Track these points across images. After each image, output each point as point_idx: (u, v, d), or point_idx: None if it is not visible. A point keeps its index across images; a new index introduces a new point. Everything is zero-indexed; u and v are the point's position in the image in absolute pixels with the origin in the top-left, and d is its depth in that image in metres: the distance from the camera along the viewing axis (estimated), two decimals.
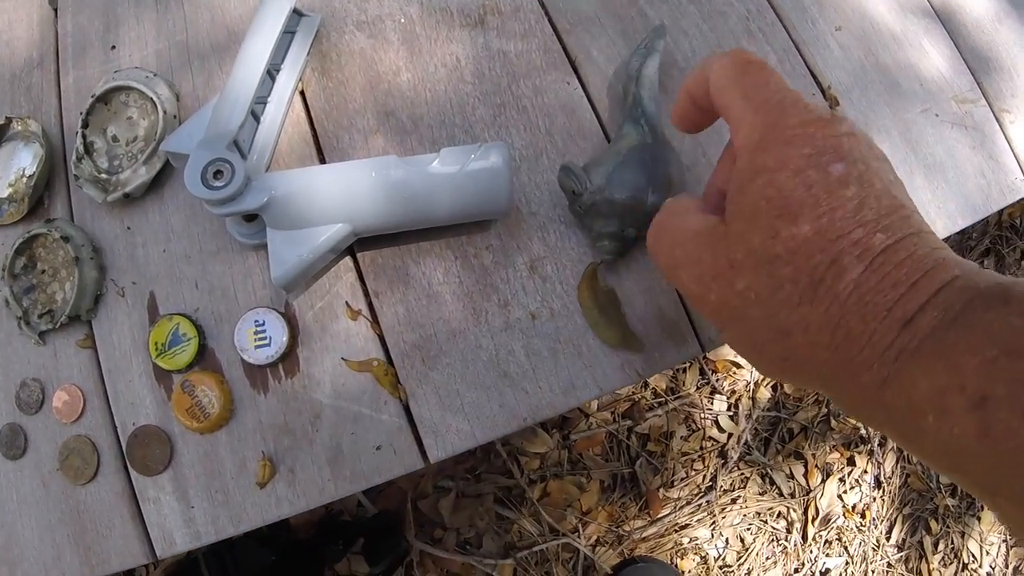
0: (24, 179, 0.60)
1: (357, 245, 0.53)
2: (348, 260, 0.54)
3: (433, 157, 0.49)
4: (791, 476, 1.01)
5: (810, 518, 1.01)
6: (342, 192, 0.49)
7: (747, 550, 0.98)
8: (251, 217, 0.54)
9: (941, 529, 1.04)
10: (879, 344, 0.29)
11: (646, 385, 1.02)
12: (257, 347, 0.52)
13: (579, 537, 0.94)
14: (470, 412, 0.51)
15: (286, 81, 0.57)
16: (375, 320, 0.53)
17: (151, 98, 0.57)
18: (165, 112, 0.57)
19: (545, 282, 0.53)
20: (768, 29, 0.59)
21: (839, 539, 1.01)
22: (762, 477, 1.02)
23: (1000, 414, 0.23)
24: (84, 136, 0.58)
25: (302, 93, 0.58)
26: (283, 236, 0.49)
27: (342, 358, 0.52)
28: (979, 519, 1.05)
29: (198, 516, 0.52)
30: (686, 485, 1.00)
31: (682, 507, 0.98)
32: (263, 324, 0.52)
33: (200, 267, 0.55)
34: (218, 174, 0.48)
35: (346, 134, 0.56)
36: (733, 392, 1.03)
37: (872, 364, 0.29)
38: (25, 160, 0.61)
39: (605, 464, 0.99)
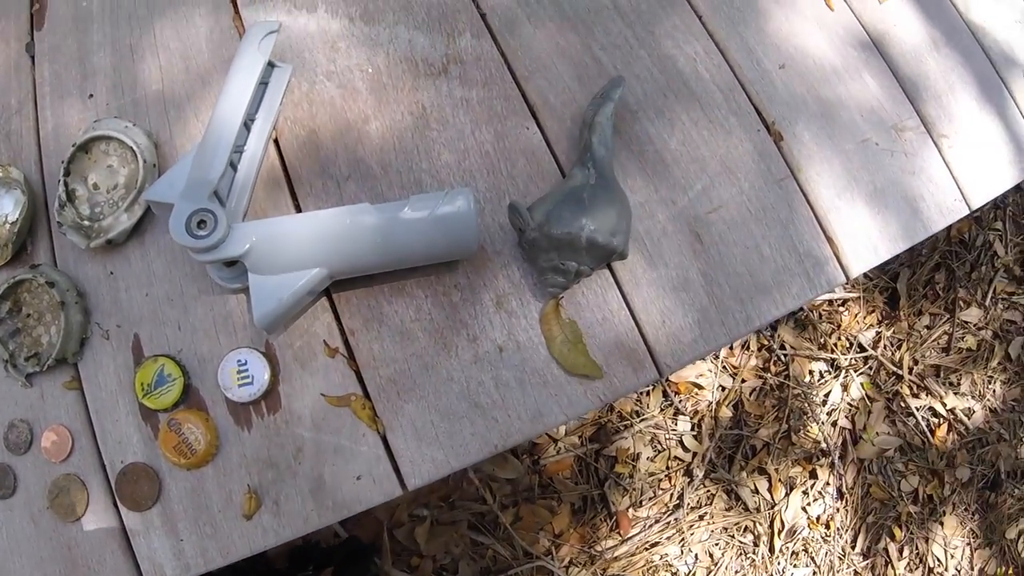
0: (7, 225, 0.62)
1: (333, 286, 0.56)
2: (324, 301, 0.57)
3: (403, 204, 0.53)
4: (756, 491, 1.06)
5: (776, 531, 1.05)
6: (319, 238, 0.52)
7: (716, 565, 1.03)
8: (232, 262, 0.57)
9: (905, 536, 1.09)
10: None
11: (612, 408, 1.07)
12: (240, 385, 0.55)
13: (553, 559, 0.98)
14: (444, 441, 0.54)
15: (260, 130, 0.60)
16: (351, 357, 0.56)
17: (131, 147, 0.60)
18: (145, 161, 0.60)
19: (511, 316, 0.57)
20: (715, 71, 0.63)
21: (805, 550, 1.06)
22: (728, 493, 1.06)
23: None
24: (66, 184, 0.60)
25: (276, 141, 0.61)
26: (264, 281, 0.52)
27: (321, 394, 0.55)
28: (942, 524, 1.10)
29: (187, 549, 0.55)
30: (654, 504, 1.04)
31: (651, 525, 1.02)
32: (245, 363, 0.55)
33: (183, 309, 0.58)
34: (201, 224, 0.51)
35: (319, 180, 0.60)
36: (696, 412, 1.07)
37: None
38: (7, 207, 0.63)
39: (575, 487, 1.03)
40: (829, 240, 0.60)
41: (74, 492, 0.57)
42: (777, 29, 0.65)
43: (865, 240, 0.61)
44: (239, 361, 0.55)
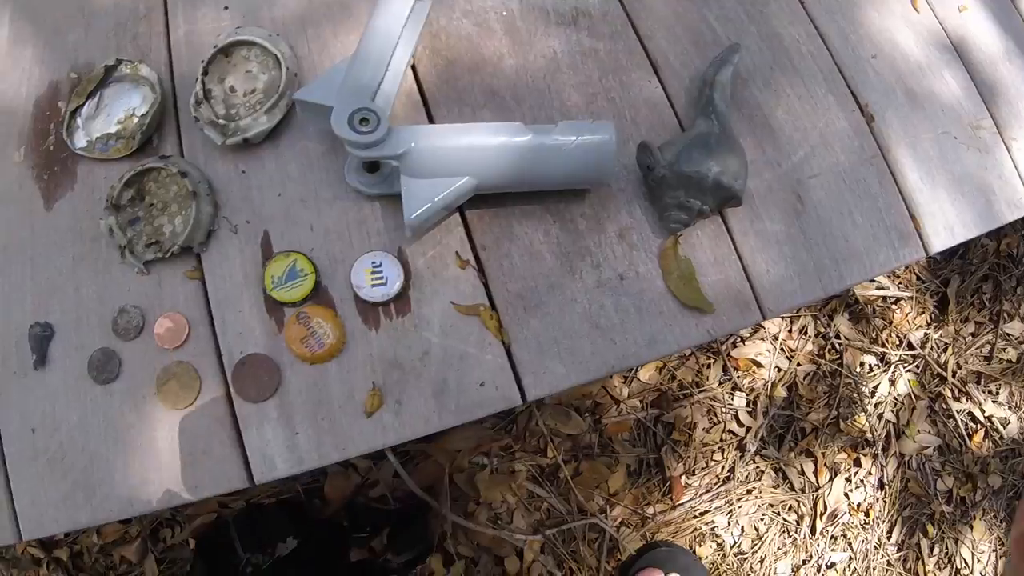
0: (135, 118, 0.63)
1: (466, 204, 0.59)
2: (457, 216, 0.60)
3: (552, 127, 0.56)
4: (802, 472, 1.10)
5: (818, 513, 1.09)
6: (472, 148, 0.55)
7: (760, 539, 1.06)
8: (373, 168, 0.59)
9: (937, 534, 1.13)
10: None
11: (673, 377, 1.10)
12: (373, 285, 0.57)
13: (605, 518, 1.00)
14: (565, 357, 0.57)
15: (401, 55, 0.63)
16: (481, 270, 0.58)
17: (275, 55, 0.62)
18: (288, 69, 0.61)
19: (632, 248, 0.60)
20: (816, 52, 0.69)
21: (844, 535, 1.09)
22: (775, 471, 1.10)
23: None
24: (203, 83, 0.62)
25: (414, 68, 0.64)
26: (416, 183, 0.54)
27: (451, 302, 0.57)
28: (971, 527, 1.15)
29: (302, 442, 0.56)
30: (706, 474, 1.07)
31: (702, 494, 1.05)
32: (380, 265, 0.57)
33: (316, 212, 0.59)
34: (363, 121, 0.53)
35: (455, 106, 0.62)
36: (752, 390, 1.12)
37: None
38: (134, 101, 0.64)
39: (632, 449, 1.05)
40: (912, 217, 0.66)
41: (186, 380, 0.58)
42: (870, 22, 0.71)
43: (944, 221, 0.67)
44: (374, 262, 0.57)
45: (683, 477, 1.05)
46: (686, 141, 0.59)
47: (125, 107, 0.64)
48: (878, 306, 1.22)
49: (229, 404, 0.57)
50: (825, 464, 1.11)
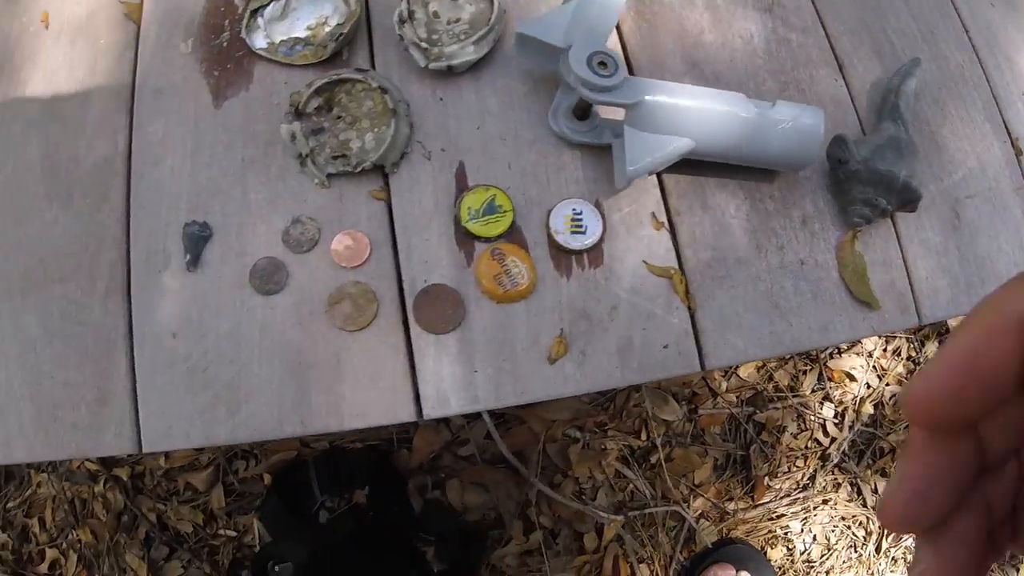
0: (326, 27, 0.60)
1: (665, 168, 0.59)
2: (654, 178, 0.59)
3: (769, 105, 0.56)
4: (875, 490, 1.13)
5: (885, 533, 1.11)
6: (698, 110, 0.55)
7: (830, 550, 1.08)
8: (583, 115, 0.58)
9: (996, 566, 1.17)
10: None
11: (771, 378, 1.12)
12: (572, 232, 0.56)
13: (687, 508, 1.00)
14: (745, 332, 0.57)
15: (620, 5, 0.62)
16: (674, 235, 0.58)
17: None
18: (498, 4, 0.60)
19: (813, 236, 0.61)
20: (976, 81, 0.72)
21: (904, 558, 1.13)
22: (852, 485, 1.12)
23: None
24: (408, 2, 0.60)
25: (618, 27, 0.63)
26: (641, 137, 0.54)
27: (644, 261, 0.57)
28: (1017, 570, 1.20)
29: (480, 381, 0.54)
30: (788, 478, 1.09)
31: (781, 497, 1.07)
32: (580, 213, 0.56)
33: (515, 151, 0.58)
34: (602, 64, 0.53)
35: (658, 71, 0.62)
36: (841, 402, 1.14)
37: None
38: (326, 9, 0.61)
39: (722, 443, 1.06)
40: None
41: (361, 301, 0.55)
42: (1022, 62, 0.75)
43: None
44: (574, 209, 0.56)
45: (766, 478, 1.06)
46: (879, 141, 0.60)
47: (316, 14, 0.61)
48: None
49: (405, 332, 0.55)
50: None
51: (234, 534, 0.93)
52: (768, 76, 0.65)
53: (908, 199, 0.60)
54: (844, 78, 0.67)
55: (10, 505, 0.94)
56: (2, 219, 0.60)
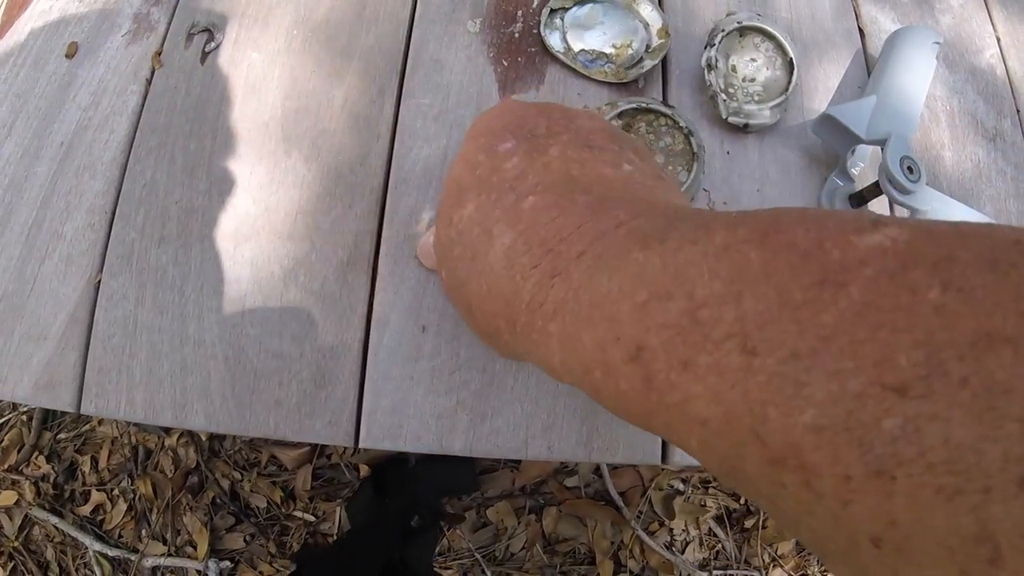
0: (629, 50, 0.60)
1: None
2: None
3: None
4: None
5: None
6: None
7: None
8: (859, 205, 0.61)
9: None
10: (533, 303, 0.27)
11: None
12: None
13: (765, 574, 1.04)
14: None
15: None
16: None
17: (789, 57, 0.62)
18: (798, 74, 0.62)
19: None
20: None
21: None
22: None
23: (657, 365, 0.21)
24: (716, 51, 0.60)
25: None
26: None
27: None
28: None
29: None
30: None
31: None
32: None
33: None
34: (910, 169, 0.55)
35: None
36: None
37: (533, 329, 0.27)
38: (637, 32, 0.61)
39: None
40: None
41: None
42: None
43: None
44: None
45: None
46: None
47: (624, 35, 0.60)
48: None
49: None
50: None
51: (312, 519, 0.87)
52: (988, 202, 0.70)
53: None
54: None
55: (61, 437, 0.85)
56: (242, 164, 0.55)
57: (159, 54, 0.61)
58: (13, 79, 0.61)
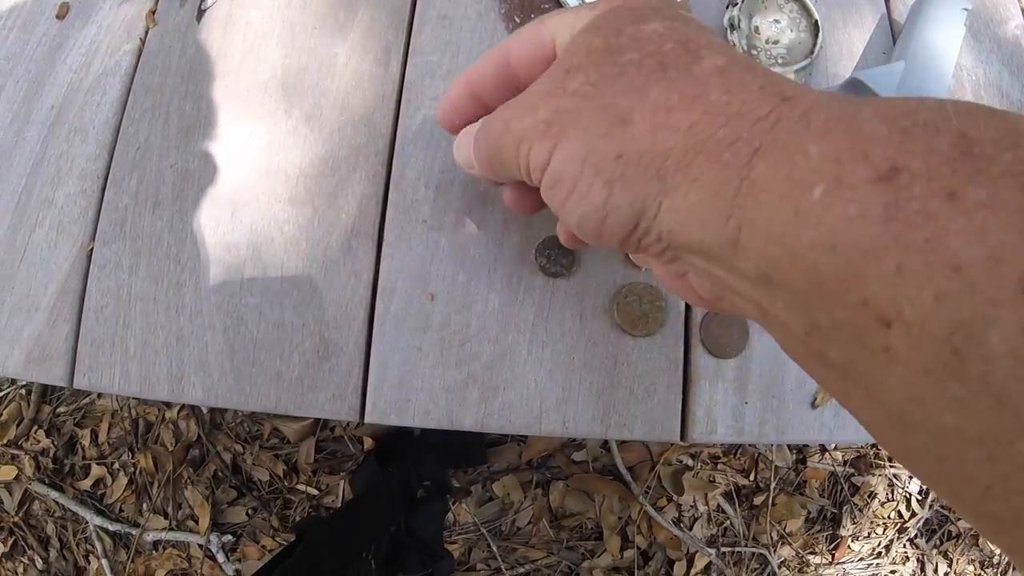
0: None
1: None
2: None
3: None
4: (936, 571, 1.19)
5: None
6: None
7: None
8: None
9: None
10: (750, 114, 0.23)
11: (875, 444, 1.17)
12: None
13: (773, 553, 1.03)
14: None
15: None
16: None
17: (814, 19, 0.59)
18: (822, 37, 0.59)
19: None
20: None
21: None
22: (918, 562, 1.18)
23: (915, 190, 0.18)
24: (738, 9, 0.58)
25: None
26: None
27: None
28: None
29: (748, 414, 0.54)
30: (867, 543, 1.14)
31: (856, 560, 1.12)
32: None
33: None
34: None
35: None
36: None
37: (739, 136, 0.22)
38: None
39: (819, 498, 1.10)
40: None
41: (649, 307, 0.53)
42: None
43: None
44: None
45: (850, 539, 1.12)
46: None
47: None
48: None
49: (686, 349, 0.53)
50: (955, 571, 1.22)
51: (315, 492, 0.86)
52: None
53: None
54: None
55: (61, 410, 0.83)
56: (241, 125, 0.53)
57: (153, 12, 0.58)
58: (2, 42, 0.58)
